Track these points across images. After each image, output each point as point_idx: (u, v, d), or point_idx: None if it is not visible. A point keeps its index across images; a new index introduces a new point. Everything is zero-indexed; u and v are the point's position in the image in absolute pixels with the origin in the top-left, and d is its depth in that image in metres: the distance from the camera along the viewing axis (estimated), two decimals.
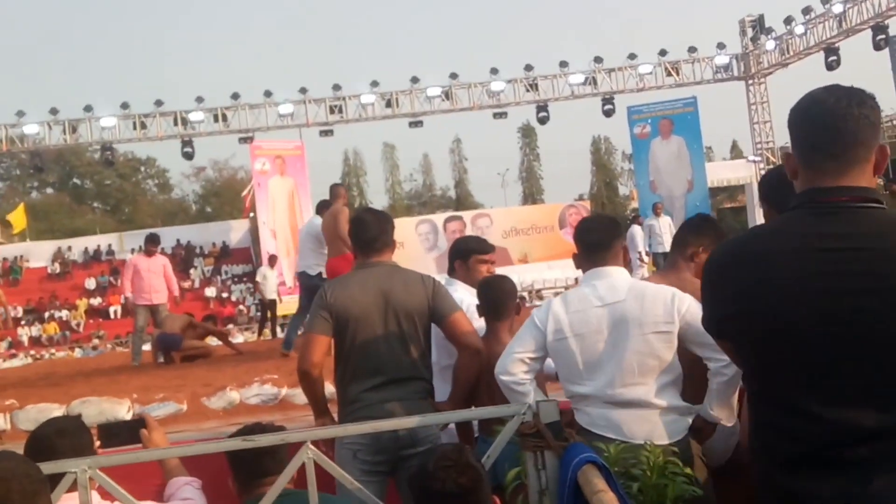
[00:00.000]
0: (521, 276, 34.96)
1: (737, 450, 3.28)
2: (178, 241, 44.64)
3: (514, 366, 3.40)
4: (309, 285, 9.48)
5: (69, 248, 44.99)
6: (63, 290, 42.22)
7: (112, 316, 40.12)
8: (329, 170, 68.27)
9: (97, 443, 3.10)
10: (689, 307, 3.12)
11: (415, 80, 31.45)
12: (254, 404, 6.66)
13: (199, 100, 30.88)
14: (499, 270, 4.77)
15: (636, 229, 17.45)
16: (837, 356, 1.90)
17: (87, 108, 30.69)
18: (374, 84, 31.31)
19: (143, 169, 72.87)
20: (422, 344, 3.84)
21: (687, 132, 29.14)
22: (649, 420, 3.15)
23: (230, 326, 34.22)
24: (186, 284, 41.15)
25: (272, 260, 18.66)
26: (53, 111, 30.58)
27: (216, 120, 31.34)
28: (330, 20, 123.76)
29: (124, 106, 30.81)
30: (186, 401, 6.67)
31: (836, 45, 28.34)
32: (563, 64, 31.70)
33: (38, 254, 44.55)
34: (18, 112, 30.32)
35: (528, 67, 31.65)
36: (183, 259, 43.28)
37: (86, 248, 44.99)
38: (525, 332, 3.46)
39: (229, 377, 7.37)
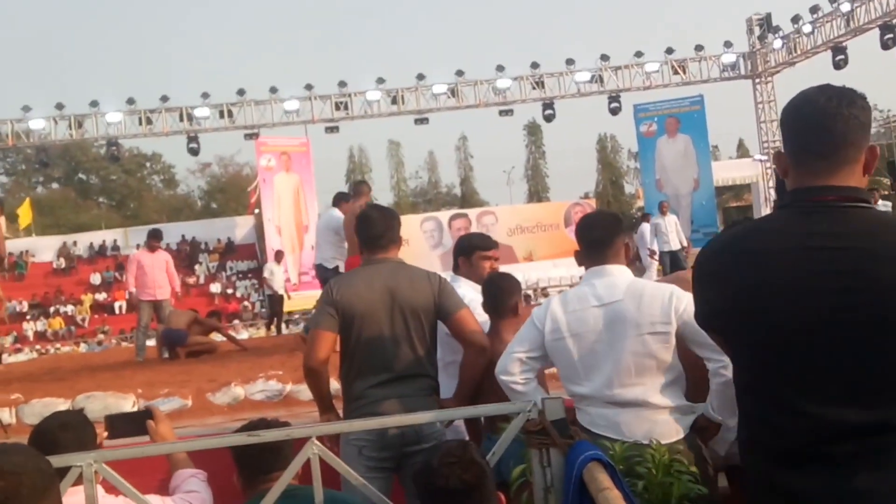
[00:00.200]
0: (526, 273, 34.99)
1: None
2: (183, 236, 44.69)
3: (513, 365, 3.40)
4: (326, 278, 9.47)
5: (74, 244, 45.06)
6: (68, 285, 42.30)
7: (117, 311, 40.21)
8: (334, 166, 68.57)
9: (104, 433, 3.11)
10: (687, 306, 3.06)
11: (420, 77, 31.44)
12: (258, 400, 6.67)
13: (205, 96, 30.90)
14: (504, 268, 4.77)
15: (646, 227, 17.41)
16: (822, 353, 1.92)
17: (93, 104, 30.73)
18: (380, 81, 31.30)
19: (148, 164, 72.99)
20: (427, 341, 3.83)
21: (693, 131, 29.10)
22: (648, 419, 3.14)
23: (235, 322, 34.32)
24: (191, 280, 41.26)
25: (279, 256, 18.68)
26: (59, 106, 30.63)
27: (222, 116, 31.38)
28: (336, 16, 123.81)
29: (130, 101, 30.85)
30: (191, 396, 6.67)
31: (844, 44, 28.24)
32: (570, 62, 31.69)
33: (44, 249, 44.60)
34: (24, 107, 30.42)
35: (535, 65, 31.64)
36: (188, 255, 43.33)
37: (91, 244, 45.06)
38: (524, 331, 3.46)
39: (234, 373, 7.38)
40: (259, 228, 39.17)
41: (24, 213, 40.31)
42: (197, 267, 43.38)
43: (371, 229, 3.97)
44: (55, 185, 69.87)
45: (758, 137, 34.03)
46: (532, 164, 73.17)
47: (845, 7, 27.38)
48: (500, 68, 31.42)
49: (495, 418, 3.33)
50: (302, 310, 29.80)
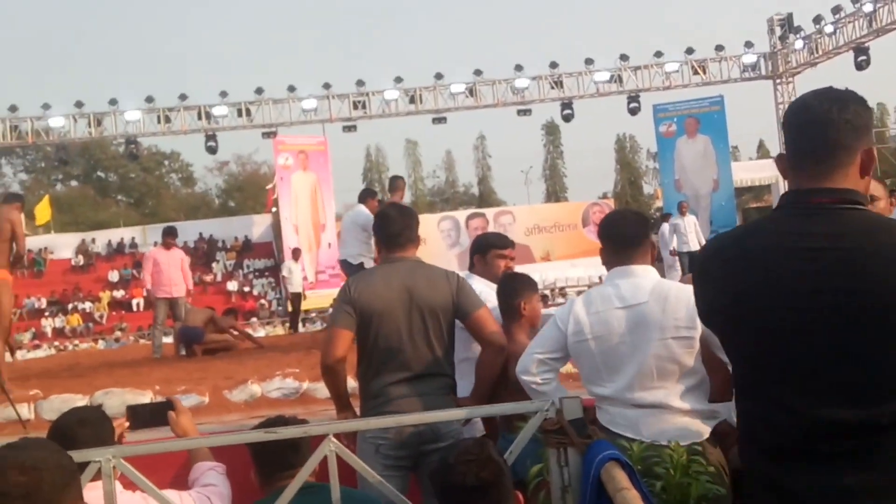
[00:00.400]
0: (543, 274, 34.92)
1: None
2: (200, 234, 44.86)
3: (534, 366, 3.38)
4: (350, 274, 9.50)
5: (93, 241, 45.30)
6: (86, 283, 42.53)
7: (135, 308, 40.40)
8: (351, 165, 68.68)
9: (126, 424, 3.12)
10: None
11: (439, 76, 31.44)
12: (275, 398, 6.69)
13: (223, 94, 31.01)
14: (521, 268, 4.77)
15: (665, 227, 17.38)
16: (814, 353, 1.94)
17: (112, 102, 30.86)
18: (398, 80, 31.31)
19: (166, 163, 73.37)
20: (445, 340, 3.82)
21: (713, 131, 28.90)
22: (668, 421, 3.11)
23: (252, 320, 34.41)
24: (208, 278, 41.42)
25: (296, 253, 18.69)
26: (79, 104, 30.80)
27: (240, 114, 31.49)
28: (354, 15, 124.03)
29: (149, 100, 30.98)
30: (208, 393, 6.70)
31: (866, 44, 28.06)
32: (589, 61, 31.59)
33: (62, 246, 44.84)
34: (44, 105, 30.60)
35: (553, 64, 31.56)
36: (205, 253, 43.49)
37: (109, 241, 45.30)
38: (546, 332, 3.43)
39: (251, 370, 7.40)
40: (276, 227, 39.23)
41: (44, 211, 40.51)
42: (214, 265, 43.52)
43: (389, 228, 3.97)
44: (74, 183, 70.33)
45: (778, 138, 33.82)
46: (550, 163, 73.08)
47: (868, 7, 27.19)
48: (518, 68, 31.38)
49: (512, 417, 3.31)
50: (319, 308, 29.87)
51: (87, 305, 41.26)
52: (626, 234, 3.38)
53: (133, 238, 45.22)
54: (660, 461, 2.86)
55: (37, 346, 33.11)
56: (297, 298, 17.53)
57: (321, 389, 6.25)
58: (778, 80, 32.62)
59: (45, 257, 43.07)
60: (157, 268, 11.16)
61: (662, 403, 3.12)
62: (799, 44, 31.10)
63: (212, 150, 31.78)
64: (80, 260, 43.94)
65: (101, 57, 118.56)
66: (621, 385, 3.17)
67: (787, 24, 31.54)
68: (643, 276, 3.29)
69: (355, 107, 31.49)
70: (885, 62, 28.44)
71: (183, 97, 31.12)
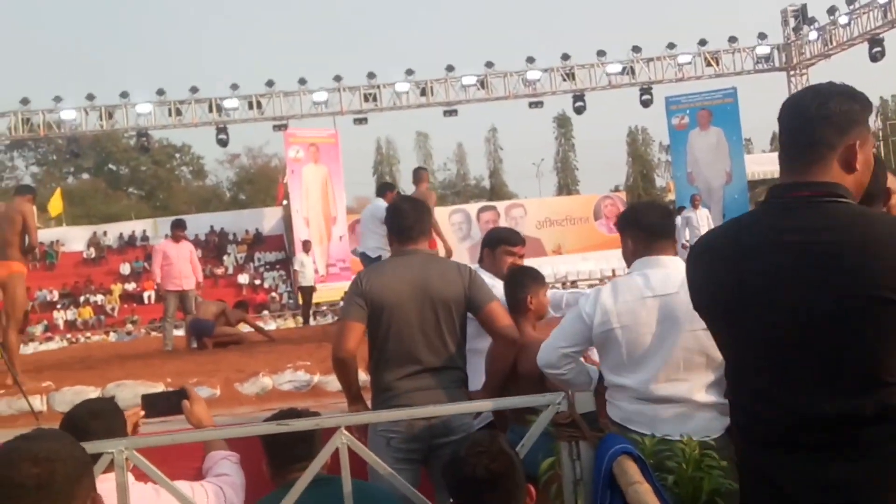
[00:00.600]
0: (554, 267, 34.94)
1: None
2: (211, 227, 45.00)
3: (559, 360, 3.38)
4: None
5: (104, 234, 45.52)
6: (98, 275, 42.73)
7: (146, 301, 40.56)
8: (362, 158, 68.56)
9: (141, 413, 3.14)
10: None
11: (450, 68, 31.39)
12: (286, 390, 6.69)
13: (234, 87, 31.06)
14: (532, 261, 4.76)
15: (679, 220, 17.35)
16: (795, 345, 1.98)
17: (124, 95, 30.96)
18: (409, 72, 31.29)
19: (177, 155, 73.54)
20: (457, 333, 3.81)
21: (726, 123, 28.71)
22: (685, 416, 3.09)
23: (264, 313, 34.49)
24: (219, 271, 41.56)
25: (306, 245, 18.66)
26: (90, 97, 30.87)
27: (251, 107, 31.51)
28: (365, 8, 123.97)
29: (160, 92, 31.04)
30: (219, 386, 6.71)
31: (881, 35, 27.87)
32: (601, 53, 31.50)
33: (74, 239, 45.09)
34: (56, 98, 30.68)
35: (565, 56, 31.47)
36: (216, 245, 43.64)
37: (121, 234, 45.50)
38: (570, 326, 3.39)
39: (262, 363, 7.41)
40: (287, 220, 39.28)
41: (55, 203, 40.67)
42: (225, 258, 43.66)
43: (402, 221, 3.96)
44: (86, 176, 70.57)
45: None
46: (562, 156, 72.90)
47: None
48: (530, 60, 31.31)
49: (523, 410, 3.30)
50: (330, 301, 29.90)
51: (99, 298, 41.48)
52: (655, 225, 3.35)
53: (144, 231, 45.41)
54: (672, 455, 2.85)
55: (49, 339, 33.31)
56: (309, 292, 17.52)
57: (332, 382, 6.26)
58: (792, 72, 32.42)
59: (56, 250, 43.28)
60: (166, 261, 11.16)
61: (684, 397, 3.09)
62: (813, 35, 30.94)
63: (223, 143, 31.81)
64: (92, 253, 44.14)
65: (113, 50, 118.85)
66: (645, 376, 3.15)
67: (802, 16, 31.36)
68: (672, 266, 3.25)
69: (366, 99, 31.50)
70: None
71: (194, 90, 31.15)
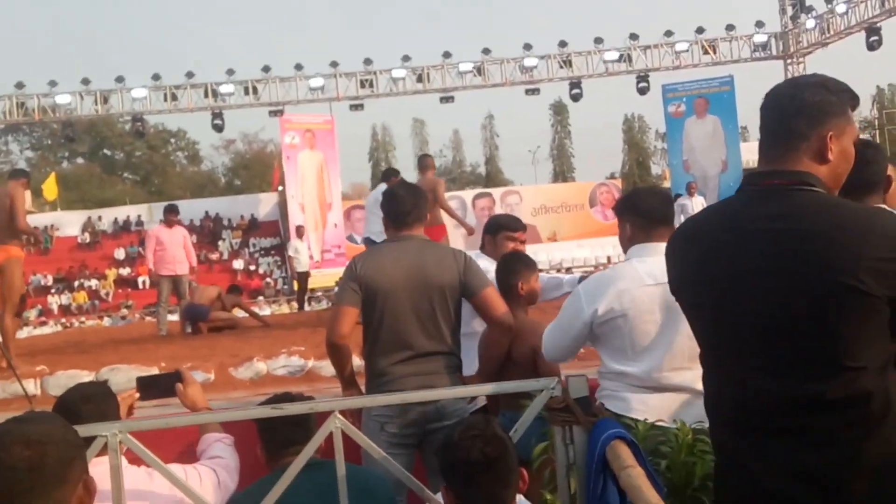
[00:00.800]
0: (550, 254, 34.92)
1: None
2: (206, 213, 44.83)
3: (561, 352, 3.38)
4: None
5: (99, 218, 45.33)
6: (93, 260, 42.59)
7: (140, 286, 40.41)
8: (358, 144, 68.48)
9: (136, 395, 3.14)
10: None
11: (447, 54, 31.35)
12: (280, 375, 6.69)
13: (230, 72, 31.00)
14: (528, 248, 4.77)
15: (676, 207, 17.34)
16: (765, 331, 2.01)
17: (119, 79, 30.90)
18: (406, 59, 31.25)
19: (173, 140, 73.23)
20: (451, 319, 3.81)
21: (722, 112, 28.74)
22: (686, 403, 3.08)
23: (259, 299, 34.48)
24: (214, 256, 41.44)
25: (300, 231, 18.64)
26: (85, 81, 30.80)
27: (246, 93, 31.48)
28: None
29: (155, 77, 30.99)
30: (214, 370, 6.70)
31: (878, 24, 27.89)
32: (598, 40, 31.49)
33: (69, 223, 44.88)
34: (51, 82, 30.62)
35: (563, 43, 31.45)
36: (211, 231, 43.49)
37: (115, 219, 45.32)
38: (570, 322, 3.32)
39: (256, 348, 7.40)
40: (282, 206, 39.20)
41: (50, 188, 40.54)
42: (220, 243, 43.51)
43: (399, 206, 3.95)
44: (80, 160, 70.26)
45: None
46: (558, 143, 72.86)
47: None
48: (527, 47, 31.29)
49: (515, 395, 3.30)
50: (324, 287, 29.89)
51: (94, 283, 41.35)
52: (655, 210, 3.32)
53: (139, 216, 45.21)
54: (665, 440, 2.86)
55: (43, 323, 33.28)
56: (304, 278, 17.53)
57: (326, 367, 6.26)
58: (789, 61, 32.44)
59: (51, 234, 43.15)
60: (160, 246, 11.13)
61: (687, 386, 3.07)
62: (810, 23, 30.92)
63: (218, 129, 31.81)
64: (87, 237, 43.98)
65: (108, 34, 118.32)
66: (649, 365, 3.12)
67: (799, 4, 31.34)
68: None
69: (362, 85, 31.46)
70: None
71: (190, 75, 31.12)
